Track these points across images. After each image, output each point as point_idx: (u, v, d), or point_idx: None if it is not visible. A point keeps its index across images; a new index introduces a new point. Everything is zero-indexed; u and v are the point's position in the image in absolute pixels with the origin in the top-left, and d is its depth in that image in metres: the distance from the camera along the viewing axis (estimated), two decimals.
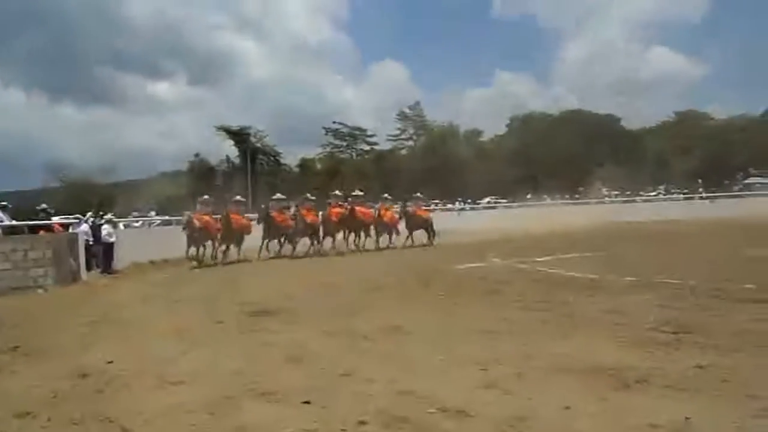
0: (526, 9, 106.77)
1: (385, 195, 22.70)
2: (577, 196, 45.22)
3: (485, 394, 4.35)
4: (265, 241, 18.41)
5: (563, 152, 56.69)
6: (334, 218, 19.20)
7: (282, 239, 18.98)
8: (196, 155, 61.17)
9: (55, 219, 17.96)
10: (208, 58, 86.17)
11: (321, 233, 19.34)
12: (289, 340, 6.45)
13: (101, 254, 16.31)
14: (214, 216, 17.78)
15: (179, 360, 5.85)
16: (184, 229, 16.80)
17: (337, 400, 4.31)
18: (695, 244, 15.76)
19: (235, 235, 17.99)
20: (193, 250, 16.90)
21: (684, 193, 43.60)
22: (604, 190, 47.68)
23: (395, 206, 21.67)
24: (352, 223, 19.48)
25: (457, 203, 43.92)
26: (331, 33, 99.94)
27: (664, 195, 45.66)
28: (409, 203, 21.55)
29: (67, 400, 4.76)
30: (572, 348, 5.54)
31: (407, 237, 20.50)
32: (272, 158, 64.56)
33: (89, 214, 21.22)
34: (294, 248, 18.81)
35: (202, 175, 59.16)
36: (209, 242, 17.73)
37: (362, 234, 19.88)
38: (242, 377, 5.09)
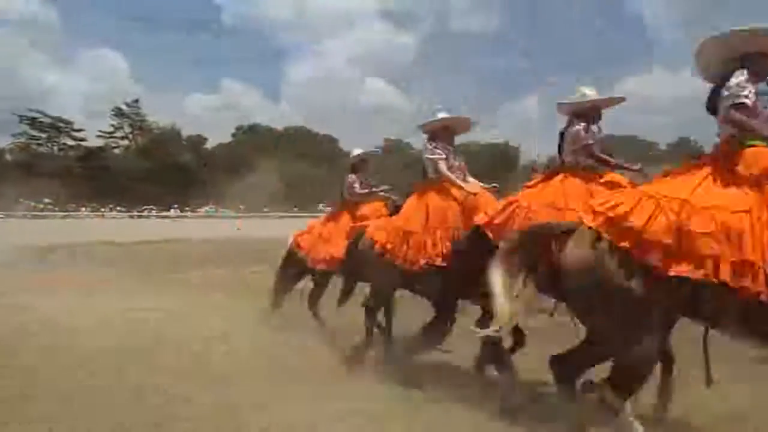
0: (260, 22, 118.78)
1: None
2: (296, 208, 47.90)
3: None
4: None
5: (287, 166, 55.00)
6: None
7: None
8: None
9: None
10: None
11: None
12: None
13: None
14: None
15: None
16: None
17: None
18: None
19: None
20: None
21: None
22: (320, 205, 45.50)
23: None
24: None
25: (172, 210, 46.05)
26: (35, 4, 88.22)
27: None
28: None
29: None
30: None
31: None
32: None
33: None
34: None
35: None
36: None
37: None
38: None
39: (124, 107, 63.57)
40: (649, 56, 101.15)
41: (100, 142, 62.03)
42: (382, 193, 6.57)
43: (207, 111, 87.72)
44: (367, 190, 6.63)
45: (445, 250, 4.48)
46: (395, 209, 5.45)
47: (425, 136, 5.20)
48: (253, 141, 64.73)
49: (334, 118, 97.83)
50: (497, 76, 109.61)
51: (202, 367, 4.71)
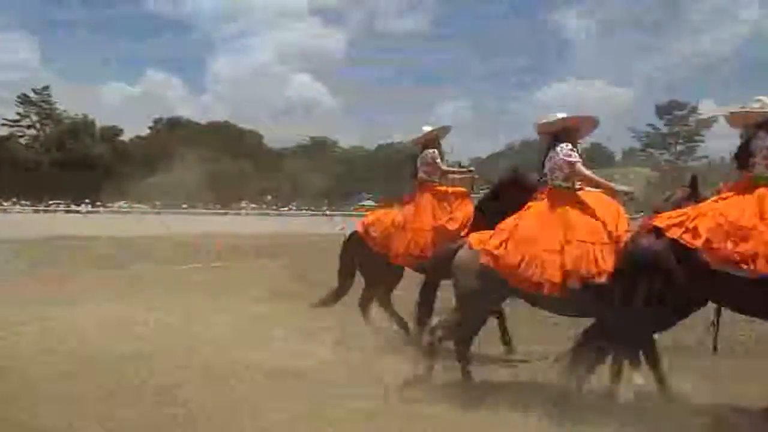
0: (186, 14, 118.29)
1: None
2: (218, 205, 47.89)
3: None
4: None
5: (209, 162, 51.23)
6: None
7: None
8: None
9: None
10: None
11: None
12: None
13: None
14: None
15: None
16: None
17: None
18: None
19: None
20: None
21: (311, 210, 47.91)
22: (243, 202, 52.34)
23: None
24: None
25: (83, 205, 43.88)
26: None
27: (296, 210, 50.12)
28: None
29: None
30: None
31: None
32: None
33: None
34: None
35: None
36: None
37: None
38: None
39: (31, 94, 60.65)
40: (563, 65, 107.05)
41: (4, 132, 59.96)
42: (461, 176, 6.00)
43: (126, 102, 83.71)
44: (455, 168, 6.02)
45: (605, 267, 3.88)
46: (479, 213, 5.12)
47: (540, 137, 4.61)
48: (174, 134, 62.77)
49: (260, 113, 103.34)
50: (426, 76, 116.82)
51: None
